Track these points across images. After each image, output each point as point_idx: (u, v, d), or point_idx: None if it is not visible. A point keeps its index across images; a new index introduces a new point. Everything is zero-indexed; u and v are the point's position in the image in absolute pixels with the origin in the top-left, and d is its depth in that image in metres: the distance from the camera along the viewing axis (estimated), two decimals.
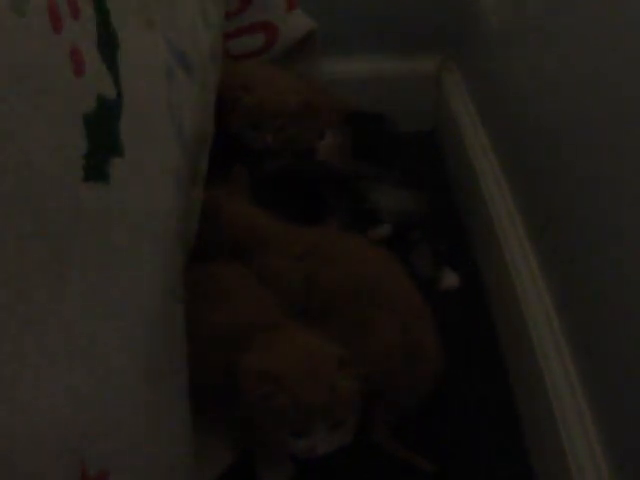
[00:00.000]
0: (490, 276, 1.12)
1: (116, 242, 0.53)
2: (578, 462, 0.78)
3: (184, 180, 0.72)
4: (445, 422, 0.94)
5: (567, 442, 0.80)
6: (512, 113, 1.07)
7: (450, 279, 1.13)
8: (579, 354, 0.83)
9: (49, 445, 0.43)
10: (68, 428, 0.45)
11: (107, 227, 0.51)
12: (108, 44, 0.55)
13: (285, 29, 1.25)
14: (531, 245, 0.99)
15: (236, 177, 1.04)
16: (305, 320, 0.86)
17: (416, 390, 0.89)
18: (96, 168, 0.49)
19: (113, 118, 0.53)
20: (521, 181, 1.04)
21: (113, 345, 0.51)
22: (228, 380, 0.77)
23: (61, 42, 0.46)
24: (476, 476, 0.90)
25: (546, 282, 0.93)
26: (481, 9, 1.22)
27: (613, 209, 0.73)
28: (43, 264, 0.43)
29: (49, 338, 0.43)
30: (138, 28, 0.64)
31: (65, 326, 0.45)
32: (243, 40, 1.25)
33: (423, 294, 0.93)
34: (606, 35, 0.75)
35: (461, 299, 1.11)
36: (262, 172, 1.11)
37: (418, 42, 1.37)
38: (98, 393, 0.48)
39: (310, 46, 1.29)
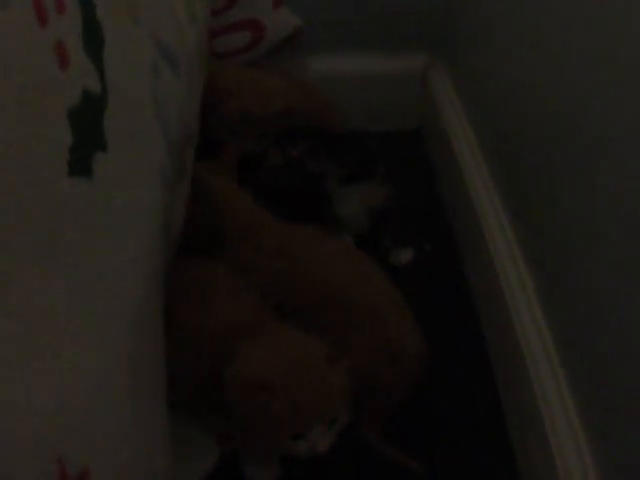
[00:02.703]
0: (476, 275, 1.12)
1: (100, 238, 0.52)
2: (565, 464, 0.78)
3: (169, 177, 0.72)
4: (431, 422, 0.94)
5: (555, 444, 0.80)
6: (498, 110, 1.08)
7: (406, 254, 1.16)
8: (566, 354, 0.83)
9: (27, 444, 0.42)
10: (49, 426, 0.44)
11: (90, 223, 0.51)
12: (93, 39, 0.54)
13: (271, 27, 1.24)
14: (518, 244, 0.99)
15: (226, 159, 1.02)
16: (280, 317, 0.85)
17: (399, 390, 0.88)
18: (80, 163, 0.49)
19: (97, 113, 0.53)
20: (507, 179, 1.05)
21: (96, 342, 0.51)
22: (216, 388, 0.76)
23: (46, 36, 0.46)
24: (462, 475, 0.90)
25: (533, 280, 0.93)
26: (467, 6, 1.22)
27: (604, 207, 0.73)
28: (26, 259, 0.43)
29: (31, 335, 0.43)
30: (124, 24, 0.64)
31: (47, 323, 0.45)
32: (229, 38, 1.24)
33: (412, 297, 0.92)
34: (593, 33, 0.75)
35: (447, 300, 1.12)
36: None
37: (404, 40, 1.37)
38: (79, 389, 0.48)
39: (296, 44, 1.28)
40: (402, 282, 0.94)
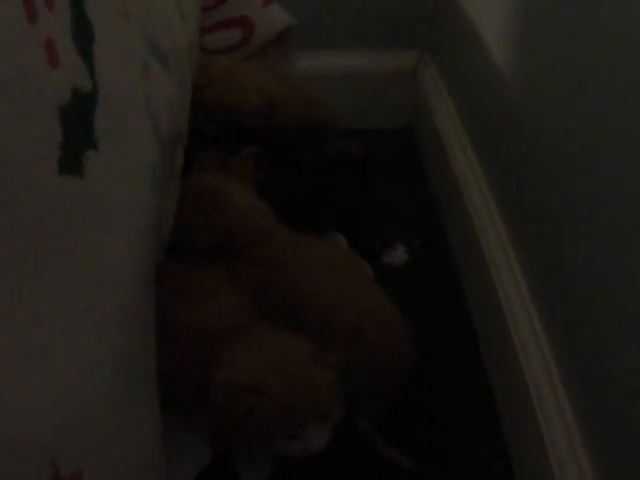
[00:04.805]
0: (469, 272, 1.12)
1: (90, 236, 0.52)
2: (559, 458, 0.78)
3: (159, 175, 0.72)
4: (425, 420, 0.94)
5: (549, 440, 0.80)
6: (489, 108, 1.08)
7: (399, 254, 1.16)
8: (559, 351, 0.84)
9: (21, 446, 0.42)
10: (42, 427, 0.44)
11: (81, 221, 0.50)
12: (83, 36, 0.54)
13: (261, 24, 1.24)
14: (511, 241, 0.99)
15: (244, 165, 1.01)
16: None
17: (385, 389, 0.87)
18: (71, 161, 0.48)
19: (88, 111, 0.53)
20: (499, 176, 1.05)
21: (86, 341, 0.50)
22: (204, 390, 0.75)
23: (36, 33, 0.45)
24: (454, 474, 0.90)
25: (526, 278, 0.93)
26: (458, 4, 1.22)
27: (600, 204, 0.73)
28: (16, 257, 0.42)
29: (21, 333, 0.43)
30: (114, 21, 0.63)
31: (38, 321, 0.44)
32: (219, 35, 1.24)
33: (405, 296, 0.91)
34: (586, 31, 0.75)
35: (439, 298, 1.11)
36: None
37: (395, 37, 1.38)
38: (71, 390, 0.48)
39: (287, 41, 1.28)
40: (395, 281, 0.94)
